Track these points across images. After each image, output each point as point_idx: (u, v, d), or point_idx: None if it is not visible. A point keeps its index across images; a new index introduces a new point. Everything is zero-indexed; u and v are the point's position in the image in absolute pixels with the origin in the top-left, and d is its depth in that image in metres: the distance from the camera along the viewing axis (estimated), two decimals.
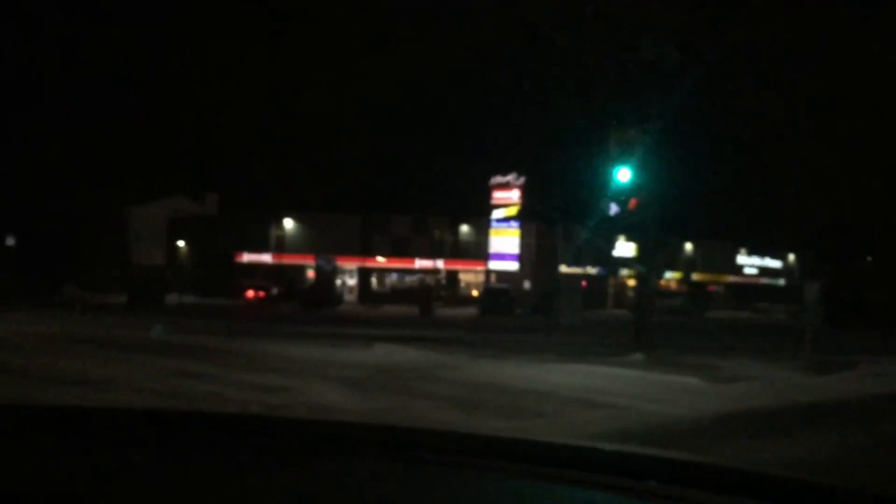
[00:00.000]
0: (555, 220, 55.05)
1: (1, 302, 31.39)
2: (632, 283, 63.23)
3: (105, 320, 23.03)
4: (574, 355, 14.13)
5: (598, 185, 14.71)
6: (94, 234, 56.71)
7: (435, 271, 52.93)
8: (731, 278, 67.83)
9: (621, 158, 12.68)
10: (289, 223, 51.42)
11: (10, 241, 29.53)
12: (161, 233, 55.95)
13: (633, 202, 12.70)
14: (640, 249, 14.22)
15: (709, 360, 14.04)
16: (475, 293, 51.72)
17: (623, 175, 12.62)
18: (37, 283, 36.50)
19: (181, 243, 54.97)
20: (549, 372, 11.54)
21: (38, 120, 43.91)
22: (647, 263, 13.97)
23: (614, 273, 60.63)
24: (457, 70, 77.00)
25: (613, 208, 13.01)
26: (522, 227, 50.47)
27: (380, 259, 52.15)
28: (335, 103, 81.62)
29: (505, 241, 50.75)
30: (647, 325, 13.73)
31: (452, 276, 53.53)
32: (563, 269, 54.88)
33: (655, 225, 13.43)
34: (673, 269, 61.41)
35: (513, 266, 50.62)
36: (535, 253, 52.91)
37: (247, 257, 50.34)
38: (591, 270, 56.73)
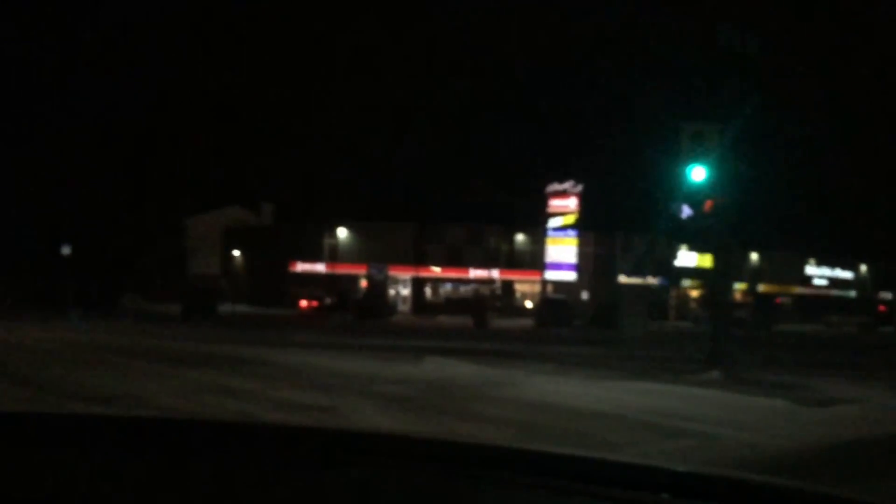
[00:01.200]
0: (613, 229, 53.55)
1: (56, 311, 31.65)
2: (695, 293, 61.41)
3: (154, 330, 22.70)
4: (642, 372, 12.95)
5: (666, 188, 13.54)
6: (154, 245, 57.56)
7: (490, 281, 51.89)
8: (799, 289, 65.01)
9: (695, 156, 11.50)
10: (342, 232, 51.05)
11: (66, 251, 29.60)
12: (218, 243, 56.34)
13: (708, 204, 11.49)
14: (715, 257, 12.94)
15: (792, 378, 12.69)
16: (528, 304, 50.55)
17: (697, 174, 11.43)
18: (95, 293, 36.81)
19: (236, 253, 55.21)
20: (617, 391, 10.41)
21: (97, 131, 44.62)
22: (724, 272, 12.69)
23: (676, 283, 58.70)
24: (512, 76, 76.05)
25: (686, 211, 11.82)
26: (580, 236, 49.01)
27: (434, 269, 51.36)
28: (390, 113, 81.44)
29: (562, 251, 49.35)
30: (725, 340, 12.42)
31: (508, 286, 52.36)
32: (622, 279, 53.29)
33: (732, 229, 12.15)
34: (738, 279, 59.18)
35: (570, 276, 49.18)
36: (593, 262, 51.42)
37: (300, 267, 50.11)
38: (652, 281, 54.98)
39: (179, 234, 58.58)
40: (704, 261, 60.58)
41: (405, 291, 51.63)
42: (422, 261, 50.97)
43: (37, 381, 9.96)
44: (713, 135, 11.69)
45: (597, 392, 10.34)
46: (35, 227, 40.91)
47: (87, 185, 46.38)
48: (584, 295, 49.86)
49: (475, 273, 51.71)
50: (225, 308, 36.78)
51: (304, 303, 42.35)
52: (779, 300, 59.94)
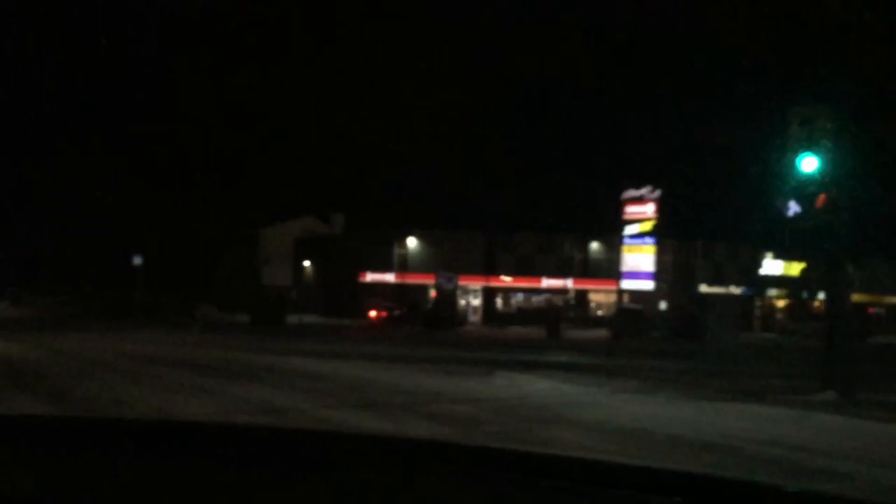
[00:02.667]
0: (693, 236, 51.17)
1: (125, 320, 31.81)
2: (781, 303, 58.17)
3: (219, 341, 22.16)
4: (740, 391, 11.40)
5: (759, 187, 11.99)
6: (228, 256, 58.18)
7: (563, 291, 50.22)
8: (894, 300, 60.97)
9: (804, 144, 9.97)
10: (412, 242, 50.32)
11: (137, 261, 29.65)
12: (289, 254, 56.48)
13: (821, 199, 9.92)
14: (828, 260, 11.29)
15: None
16: (600, 313, 48.67)
17: (808, 164, 9.89)
18: (166, 303, 37.08)
19: (307, 263, 55.19)
20: (717, 415, 8.97)
21: (171, 143, 45.27)
22: (840, 277, 11.04)
23: (761, 293, 55.76)
24: (584, 78, 74.22)
25: (793, 207, 10.27)
26: (658, 244, 46.87)
27: (505, 278, 50.04)
28: (459, 120, 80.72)
29: (639, 259, 47.27)
30: (841, 357, 10.75)
31: (582, 295, 50.57)
32: (703, 288, 50.83)
33: (850, 228, 10.52)
34: (825, 287, 55.68)
35: (647, 285, 47.06)
36: (672, 271, 49.18)
37: (370, 277, 49.56)
38: (735, 290, 52.33)
39: (252, 246, 59.04)
40: (791, 269, 57.52)
41: (475, 301, 50.49)
42: (492, 270, 49.76)
43: (71, 396, 9.23)
44: (825, 118, 10.13)
45: (694, 415, 8.92)
46: (109, 237, 41.57)
47: (162, 198, 47.05)
48: (662, 304, 47.72)
49: (548, 282, 50.16)
50: (293, 318, 36.41)
51: (373, 313, 41.67)
52: (871, 310, 56.19)
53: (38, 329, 25.98)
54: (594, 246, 51.13)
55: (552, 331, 32.25)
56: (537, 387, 11.45)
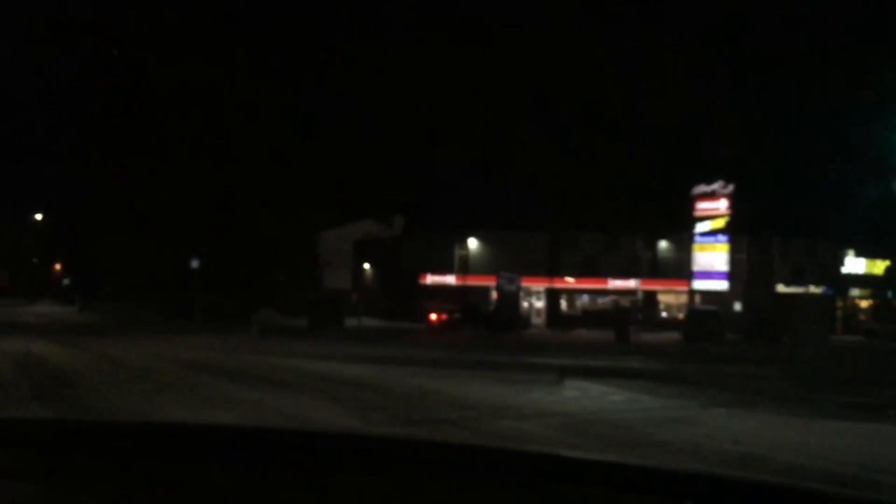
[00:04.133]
0: (769, 233, 48.55)
1: (186, 325, 31.54)
2: (864, 304, 54.83)
3: (273, 345, 21.36)
4: (854, 406, 9.79)
5: (846, 177, 10.36)
6: (288, 259, 58.05)
7: (630, 292, 48.22)
8: None
9: None
10: (473, 243, 49.11)
11: (195, 264, 29.28)
12: (349, 256, 55.99)
13: None
14: None
15: None
16: (665, 314, 46.58)
17: None
18: (224, 307, 36.80)
19: (367, 266, 54.58)
20: (841, 436, 7.47)
21: (230, 145, 45.28)
22: None
23: (842, 293, 52.66)
24: (647, 70, 71.81)
25: None
26: (731, 242, 44.53)
27: (569, 279, 48.36)
28: (519, 117, 79.18)
29: (711, 258, 44.99)
30: None
31: (650, 297, 48.44)
32: (781, 288, 48.21)
33: None
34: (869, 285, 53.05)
35: (721, 285, 44.73)
36: (747, 270, 46.70)
37: (430, 279, 48.53)
38: (815, 289, 49.47)
39: (312, 249, 58.80)
40: (875, 267, 54.20)
41: (539, 303, 48.99)
42: (556, 271, 48.17)
43: (93, 407, 8.34)
44: None
45: (810, 437, 7.45)
46: (168, 241, 41.64)
47: (220, 200, 47.09)
48: (737, 306, 45.33)
49: (614, 283, 48.26)
50: (352, 322, 35.65)
51: (433, 316, 40.56)
52: None
53: (98, 334, 25.77)
54: (663, 245, 49.01)
55: (621, 334, 30.55)
56: (614, 399, 10.09)
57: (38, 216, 61.59)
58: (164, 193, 44.47)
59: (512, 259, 45.07)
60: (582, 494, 1.33)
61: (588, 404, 9.55)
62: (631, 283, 47.85)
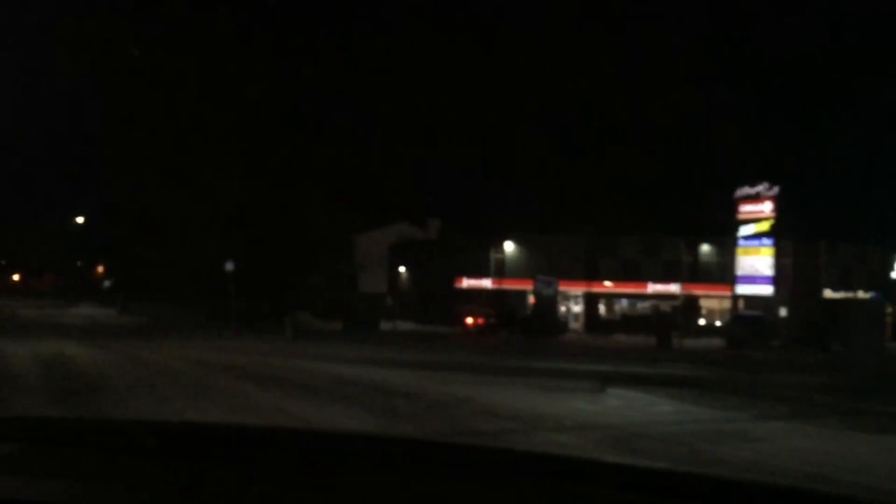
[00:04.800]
0: (816, 236, 47.08)
1: (222, 327, 31.46)
2: None
3: (306, 349, 21.02)
4: None
5: None
6: (324, 262, 57.97)
7: (670, 297, 47.09)
8: None
9: None
10: (509, 246, 48.46)
11: (230, 267, 29.18)
12: (385, 260, 55.74)
13: None
14: None
15: None
16: (701, 322, 45.38)
17: None
18: (258, 310, 36.75)
19: (402, 269, 54.25)
20: None
21: (264, 148, 45.36)
22: None
23: (892, 299, 50.84)
24: (690, 69, 70.47)
25: None
26: (777, 245, 43.21)
27: (607, 284, 47.43)
28: (555, 120, 78.35)
29: (755, 262, 43.70)
30: None
31: (691, 301, 47.23)
32: (828, 293, 46.70)
33: None
34: None
35: (766, 290, 43.42)
36: (793, 274, 45.31)
37: (466, 282, 48.01)
38: (863, 295, 47.87)
39: (348, 252, 58.67)
40: None
41: (576, 308, 48.16)
42: (594, 275, 47.29)
43: (109, 413, 7.96)
44: None
45: (873, 454, 6.75)
46: (206, 244, 41.79)
47: (257, 203, 47.16)
48: (782, 311, 43.99)
49: (654, 287, 47.23)
50: (387, 325, 35.28)
51: (469, 320, 40.00)
52: None
53: (133, 336, 25.77)
54: (704, 248, 47.83)
55: (662, 339, 29.66)
56: (661, 409, 9.45)
57: (80, 219, 62.49)
58: (203, 196, 44.72)
59: (549, 263, 44.34)
60: (587, 495, 1.32)
61: (633, 415, 8.93)
62: (672, 288, 46.73)
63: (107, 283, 72.49)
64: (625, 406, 9.64)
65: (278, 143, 46.51)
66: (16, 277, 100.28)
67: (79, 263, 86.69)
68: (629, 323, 44.95)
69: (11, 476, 1.40)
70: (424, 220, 59.54)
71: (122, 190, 54.25)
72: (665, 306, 45.95)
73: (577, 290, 46.97)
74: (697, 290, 46.87)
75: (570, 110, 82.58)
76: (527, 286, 44.28)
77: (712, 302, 47.65)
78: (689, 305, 44.66)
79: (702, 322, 45.39)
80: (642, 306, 47.42)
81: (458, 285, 47.88)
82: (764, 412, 9.47)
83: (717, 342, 34.87)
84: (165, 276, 55.95)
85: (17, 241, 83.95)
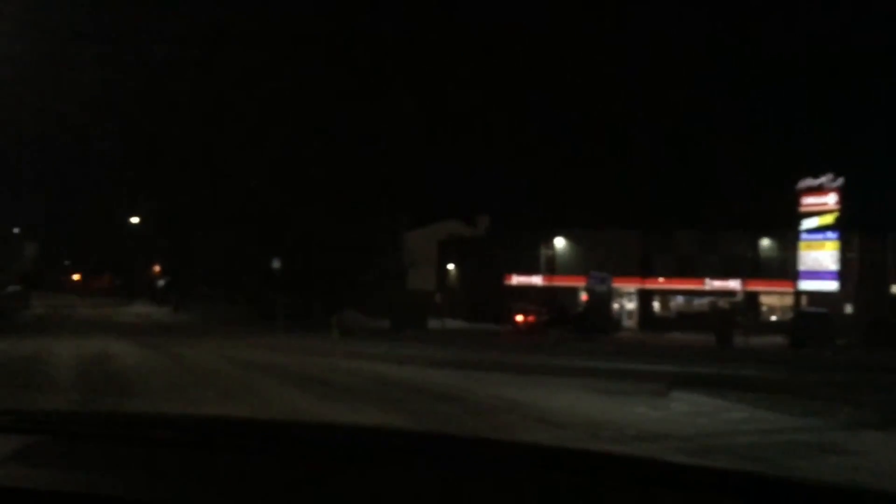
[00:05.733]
0: (883, 229, 44.89)
1: (266, 324, 31.29)
2: None
3: (352, 348, 20.51)
4: None
5: None
6: (374, 261, 57.78)
7: (729, 293, 45.44)
8: None
9: None
10: (560, 242, 47.39)
11: (276, 264, 28.95)
12: (434, 257, 55.22)
13: None
14: None
15: None
16: (766, 318, 43.72)
17: None
18: (305, 308, 36.56)
19: (451, 267, 53.63)
20: None
21: (314, 147, 45.19)
22: None
23: None
24: (748, 53, 68.16)
25: None
26: (842, 239, 41.28)
27: (662, 280, 46.00)
28: (607, 110, 76.72)
29: (819, 256, 41.88)
30: None
31: (751, 298, 45.50)
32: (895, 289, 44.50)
33: None
34: None
35: (830, 286, 41.56)
36: (859, 269, 43.26)
37: (516, 279, 47.10)
38: None
39: (398, 250, 58.34)
40: None
41: (630, 305, 46.83)
42: (648, 271, 45.90)
43: None
44: None
45: None
46: (257, 241, 41.82)
47: (308, 202, 47.04)
48: (848, 308, 41.98)
49: (711, 284, 45.61)
50: (436, 323, 34.67)
51: (519, 318, 39.13)
52: None
53: (180, 334, 25.70)
54: (765, 243, 46.00)
55: (723, 338, 28.32)
56: (733, 416, 8.55)
57: (135, 219, 63.49)
58: (254, 193, 44.86)
59: (601, 258, 43.13)
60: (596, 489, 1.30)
61: (704, 423, 8.06)
62: (730, 284, 45.08)
63: (161, 282, 73.62)
64: (693, 412, 8.76)
65: (327, 142, 46.31)
66: (77, 277, 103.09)
67: (136, 263, 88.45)
68: (685, 320, 43.51)
69: (30, 468, 1.40)
70: (473, 217, 58.81)
71: (176, 190, 54.95)
72: (723, 303, 44.34)
73: (631, 286, 45.67)
74: (758, 287, 45.13)
75: (625, 100, 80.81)
76: (578, 283, 43.20)
77: (773, 298, 45.85)
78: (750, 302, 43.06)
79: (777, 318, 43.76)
80: (699, 303, 45.88)
81: (507, 282, 47.03)
82: (848, 419, 8.48)
83: (778, 340, 33.33)
84: (218, 275, 56.47)
85: (80, 242, 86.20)
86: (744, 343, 29.98)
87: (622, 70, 76.86)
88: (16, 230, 53.42)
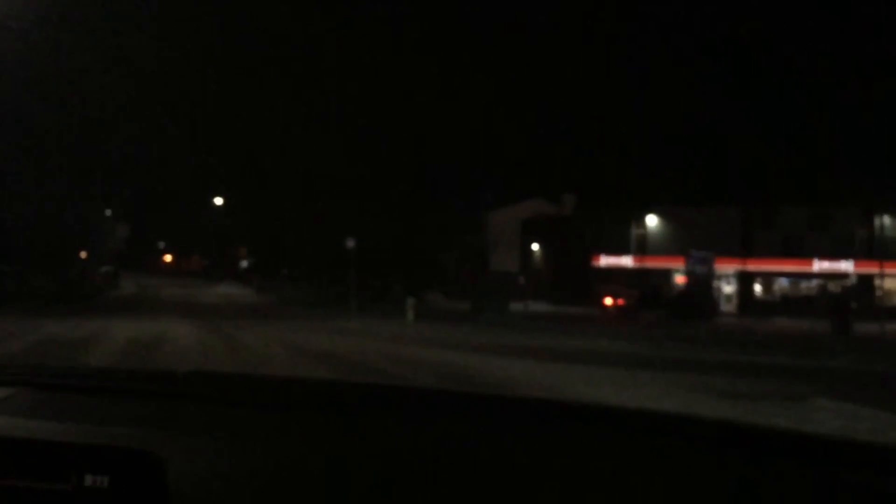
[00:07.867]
0: None
1: (341, 305, 30.23)
2: None
3: (427, 332, 18.97)
4: None
5: None
6: (455, 239, 56.34)
7: (841, 276, 41.71)
8: None
9: None
10: (652, 220, 44.60)
11: (350, 244, 27.73)
12: (517, 237, 53.29)
13: None
14: None
15: None
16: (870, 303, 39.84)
17: None
18: (396, 288, 35.53)
19: (535, 247, 51.54)
20: None
21: (394, 124, 43.99)
22: None
23: None
24: (851, 28, 62.86)
25: None
26: None
27: (765, 261, 42.63)
28: (709, 85, 72.52)
29: None
30: None
31: (866, 281, 41.62)
32: None
33: None
34: None
35: None
36: None
37: (604, 260, 44.67)
38: None
39: (480, 230, 56.65)
40: None
41: (728, 288, 43.68)
42: (750, 251, 42.64)
43: None
44: None
45: None
46: (339, 223, 41.06)
47: (387, 182, 46.03)
48: None
49: (820, 265, 42.02)
50: (518, 306, 32.84)
51: (608, 301, 36.81)
52: None
53: (253, 316, 24.85)
54: (883, 221, 41.88)
55: (841, 326, 25.30)
56: None
57: (219, 200, 64.09)
58: (336, 175, 44.26)
59: (697, 238, 40.17)
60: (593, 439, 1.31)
61: None
62: (842, 265, 41.34)
63: (243, 264, 74.47)
64: (849, 429, 6.69)
65: (412, 120, 45.15)
66: (168, 258, 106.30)
67: (223, 245, 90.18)
68: (791, 305, 40.21)
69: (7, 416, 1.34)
70: (559, 195, 56.37)
71: (264, 175, 55.18)
72: (834, 286, 40.74)
73: (730, 267, 42.53)
74: (874, 269, 41.21)
75: (731, 66, 76.20)
76: (671, 264, 40.47)
77: (891, 282, 41.82)
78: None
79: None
80: (807, 286, 42.34)
81: (595, 263, 44.64)
82: None
83: (894, 328, 29.92)
84: (298, 256, 56.33)
85: (172, 225, 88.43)
86: (861, 331, 26.87)
87: (717, 37, 72.52)
88: (108, 212, 54.39)
